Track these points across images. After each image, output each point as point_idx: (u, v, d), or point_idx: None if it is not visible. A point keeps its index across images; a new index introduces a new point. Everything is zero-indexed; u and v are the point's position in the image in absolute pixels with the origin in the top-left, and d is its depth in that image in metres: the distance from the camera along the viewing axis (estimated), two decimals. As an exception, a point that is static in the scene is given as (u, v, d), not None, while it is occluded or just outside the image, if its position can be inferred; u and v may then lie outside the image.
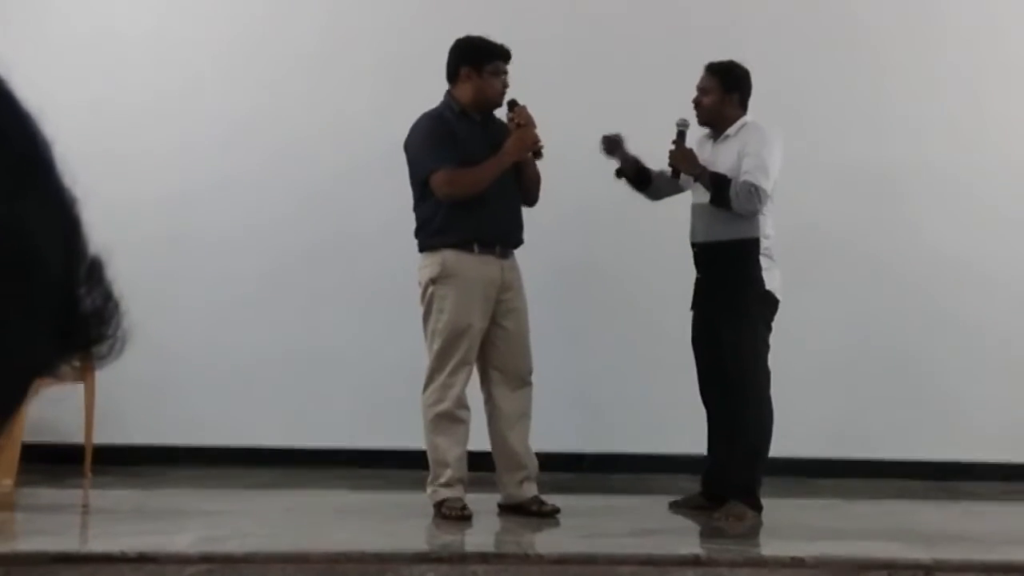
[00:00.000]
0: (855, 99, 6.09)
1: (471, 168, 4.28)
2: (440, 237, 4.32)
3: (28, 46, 5.63)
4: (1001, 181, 6.11)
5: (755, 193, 4.31)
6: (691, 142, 4.52)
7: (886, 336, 6.05)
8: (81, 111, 5.53)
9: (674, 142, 4.45)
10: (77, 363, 0.54)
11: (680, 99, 4.57)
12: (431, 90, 4.51)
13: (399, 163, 4.44)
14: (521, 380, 4.41)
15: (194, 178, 5.87)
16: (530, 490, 4.41)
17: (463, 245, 4.30)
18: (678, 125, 4.47)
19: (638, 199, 4.85)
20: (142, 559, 3.45)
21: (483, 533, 4.18)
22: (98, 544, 3.92)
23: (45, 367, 0.53)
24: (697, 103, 4.52)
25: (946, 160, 6.05)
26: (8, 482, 4.75)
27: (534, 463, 4.43)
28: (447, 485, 4.27)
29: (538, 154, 4.35)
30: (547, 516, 4.34)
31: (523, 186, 4.43)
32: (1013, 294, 6.08)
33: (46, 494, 4.69)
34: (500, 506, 4.43)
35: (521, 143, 4.29)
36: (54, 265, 0.50)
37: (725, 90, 4.49)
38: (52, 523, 4.15)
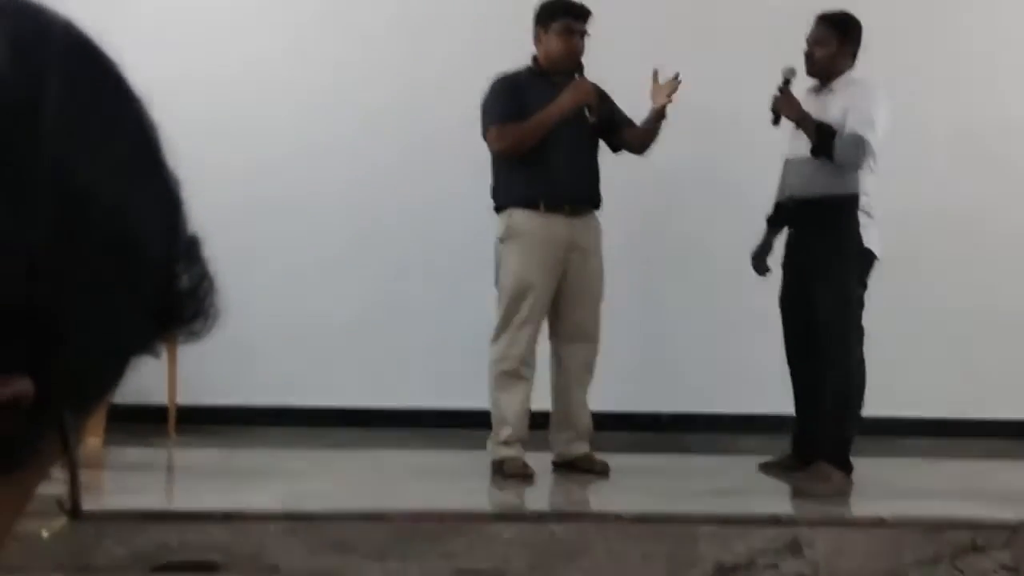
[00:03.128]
0: (954, 58, 5.96)
1: (521, 122, 4.27)
2: (507, 196, 4.37)
3: (112, 21, 5.69)
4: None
5: (861, 145, 4.21)
6: (796, 95, 4.41)
7: (977, 291, 5.93)
8: (165, 83, 5.58)
9: (779, 88, 4.36)
10: (172, 340, 0.56)
11: (780, 53, 4.48)
12: (518, 54, 4.50)
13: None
14: (586, 337, 4.39)
15: (279, 144, 5.91)
16: (580, 448, 4.41)
17: (529, 203, 4.30)
18: (784, 73, 4.37)
19: (720, 154, 4.79)
20: (226, 517, 3.51)
21: (557, 492, 4.19)
22: (183, 502, 4.01)
23: (144, 346, 0.54)
24: (809, 54, 4.41)
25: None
26: (96, 440, 4.86)
27: (587, 422, 4.43)
28: (506, 443, 4.29)
29: (592, 111, 4.30)
30: (598, 474, 4.34)
31: (636, 134, 4.43)
32: None
33: (132, 453, 4.79)
34: (554, 464, 4.43)
35: (575, 93, 4.26)
36: (157, 245, 0.52)
37: (840, 42, 4.39)
38: (139, 481, 4.24)
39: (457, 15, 5.94)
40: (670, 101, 4.35)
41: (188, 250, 0.56)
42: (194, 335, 0.57)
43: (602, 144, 4.49)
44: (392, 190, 5.93)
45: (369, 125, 5.93)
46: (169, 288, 0.54)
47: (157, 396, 5.43)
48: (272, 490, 3.91)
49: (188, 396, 5.51)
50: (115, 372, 0.54)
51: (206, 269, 0.56)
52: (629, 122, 4.52)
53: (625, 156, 4.57)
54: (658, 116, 4.39)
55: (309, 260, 5.94)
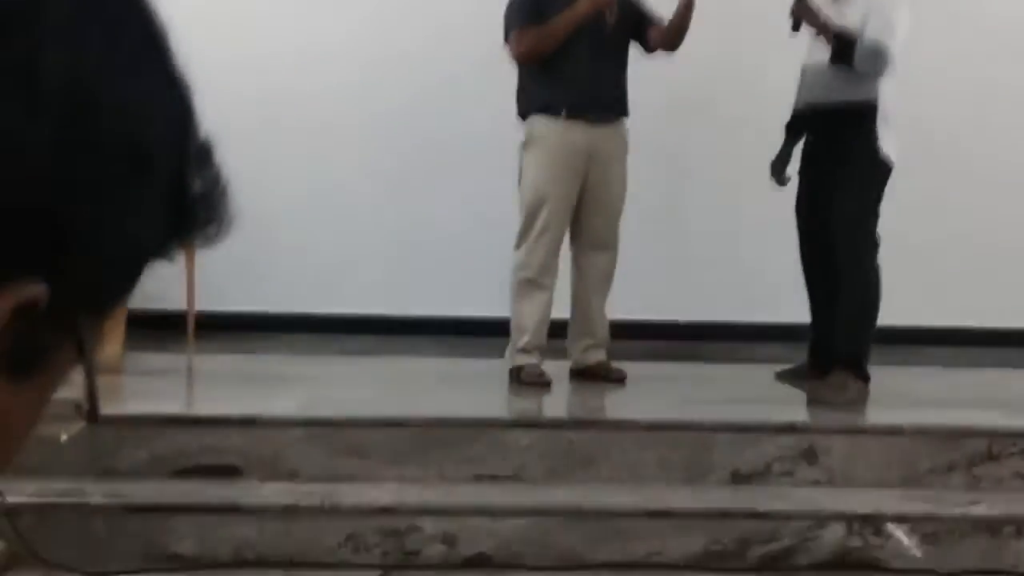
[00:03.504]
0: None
1: (540, 25, 4.21)
2: (529, 103, 4.35)
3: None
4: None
5: (881, 53, 4.14)
6: (817, 2, 4.32)
7: (990, 201, 5.90)
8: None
9: None
10: (186, 246, 0.55)
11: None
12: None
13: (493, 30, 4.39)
14: (605, 245, 4.39)
15: (283, 45, 5.86)
16: (597, 355, 4.43)
17: (550, 110, 4.28)
18: None
19: (743, 60, 4.68)
20: (245, 422, 3.55)
21: (574, 400, 4.21)
22: (203, 408, 4.05)
23: (159, 251, 0.54)
24: None
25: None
26: (115, 346, 4.90)
27: (604, 331, 4.44)
28: (524, 351, 4.31)
29: (612, 12, 4.24)
30: (615, 382, 4.35)
31: (664, 30, 4.36)
32: None
33: (152, 359, 4.83)
34: (571, 371, 4.45)
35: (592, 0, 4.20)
36: (169, 149, 0.51)
37: None
38: (158, 387, 4.28)
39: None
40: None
41: (200, 154, 0.55)
42: (208, 240, 0.56)
43: (633, 51, 4.43)
44: (412, 94, 5.88)
45: (370, 22, 5.86)
46: (181, 192, 0.54)
47: (176, 303, 5.45)
48: (291, 396, 3.94)
49: (207, 303, 5.53)
50: (129, 276, 0.54)
51: (219, 174, 0.56)
52: (656, 21, 4.44)
53: (645, 62, 4.50)
54: (687, 5, 4.30)
55: (328, 169, 5.92)
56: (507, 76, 4.41)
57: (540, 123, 4.29)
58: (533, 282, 4.29)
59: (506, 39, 4.32)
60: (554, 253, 4.32)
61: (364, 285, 5.91)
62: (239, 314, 5.81)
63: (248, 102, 5.79)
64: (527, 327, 4.30)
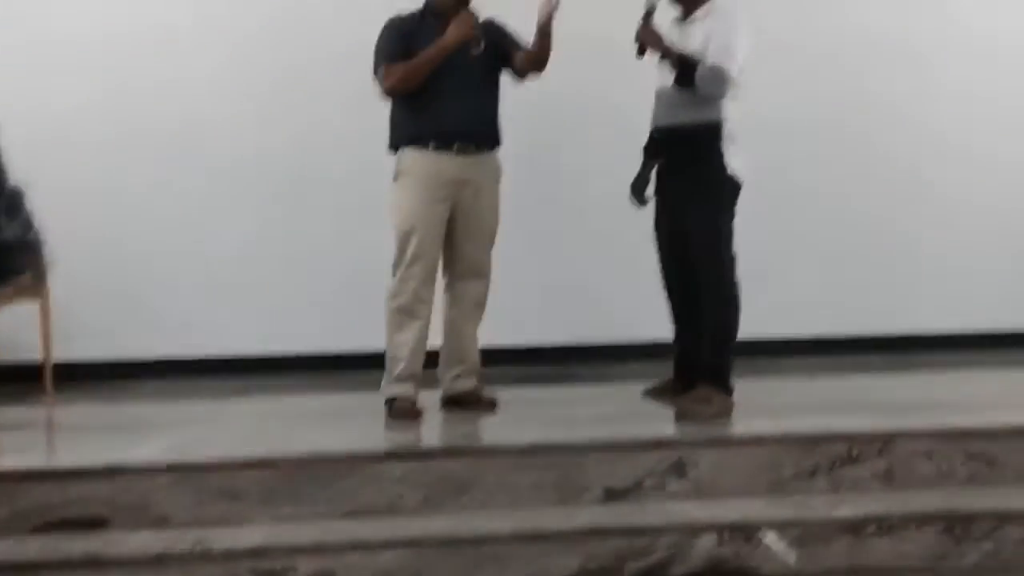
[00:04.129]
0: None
1: (407, 61, 4.25)
2: (398, 135, 4.38)
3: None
4: (980, 57, 6.17)
5: (722, 76, 4.26)
6: (660, 27, 4.43)
7: (840, 211, 6.12)
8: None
9: (642, 21, 4.37)
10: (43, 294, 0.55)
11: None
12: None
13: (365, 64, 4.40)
14: (478, 274, 4.42)
15: (147, 81, 5.76)
16: (467, 383, 4.46)
17: (419, 142, 4.31)
18: (646, 5, 4.39)
19: (601, 87, 4.76)
20: (109, 472, 3.46)
21: (446, 428, 4.22)
22: (65, 459, 3.92)
23: None
24: None
25: (928, 34, 6.09)
26: (-31, 403, 4.73)
27: (475, 359, 4.47)
28: (399, 380, 4.30)
29: (477, 43, 4.29)
30: (486, 408, 4.39)
31: (529, 55, 4.39)
32: (987, 168, 6.18)
33: (9, 413, 4.67)
34: (442, 400, 4.47)
35: (456, 29, 4.25)
36: None
37: None
38: (17, 441, 4.13)
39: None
40: (553, 11, 4.28)
41: (9, 203, 0.55)
42: (25, 287, 0.56)
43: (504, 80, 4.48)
44: (282, 131, 5.84)
45: (247, 59, 5.82)
46: None
47: (32, 352, 5.30)
48: (157, 442, 3.86)
49: (65, 351, 5.38)
50: None
51: (30, 221, 0.55)
52: (523, 45, 4.48)
53: (511, 88, 4.55)
54: (543, 30, 4.33)
55: (191, 204, 5.82)
56: (380, 109, 4.42)
57: (409, 155, 4.32)
58: (407, 310, 4.30)
59: (375, 73, 4.34)
60: (427, 282, 4.33)
61: (231, 324, 5.82)
62: (100, 362, 5.67)
63: (101, 139, 5.69)
64: (401, 356, 4.30)
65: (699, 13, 4.43)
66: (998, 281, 6.19)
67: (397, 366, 4.31)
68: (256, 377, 5.60)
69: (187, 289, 5.79)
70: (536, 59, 4.43)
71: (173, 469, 3.49)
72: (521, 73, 4.51)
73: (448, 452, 3.73)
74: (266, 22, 5.80)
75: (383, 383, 4.37)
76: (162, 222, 5.78)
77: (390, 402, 4.31)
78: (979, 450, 3.78)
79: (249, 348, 5.80)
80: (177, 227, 5.80)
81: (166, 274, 5.78)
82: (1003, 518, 3.55)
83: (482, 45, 4.31)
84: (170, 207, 5.80)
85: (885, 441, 3.76)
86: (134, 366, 5.71)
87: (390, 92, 4.33)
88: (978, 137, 6.20)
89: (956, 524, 3.52)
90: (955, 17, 6.19)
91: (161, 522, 3.39)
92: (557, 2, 4.30)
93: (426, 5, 4.42)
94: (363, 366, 5.33)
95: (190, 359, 5.76)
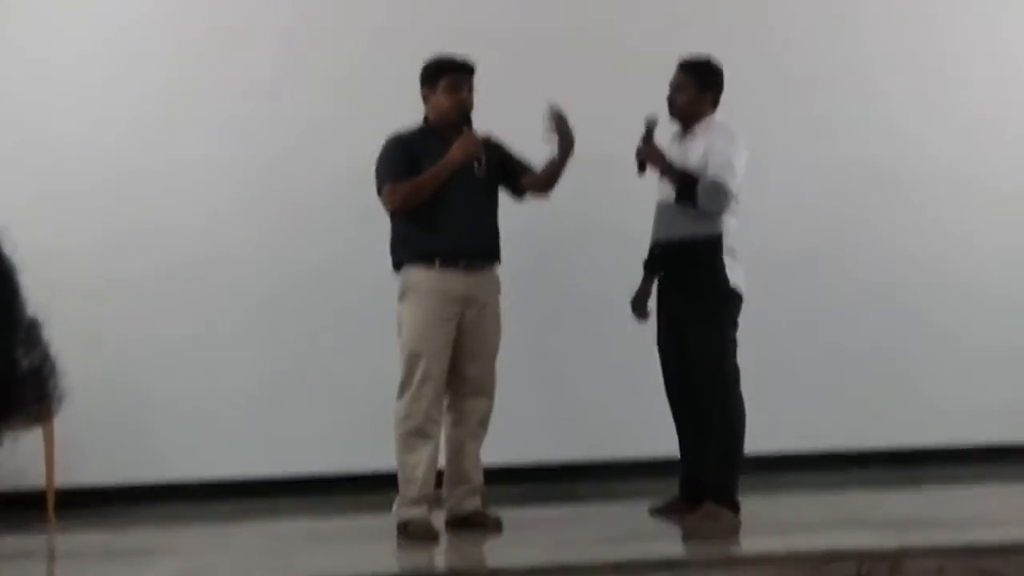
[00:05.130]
0: (825, 101, 6.21)
1: (412, 179, 4.31)
2: (403, 253, 4.39)
3: None
4: (966, 181, 6.28)
5: (722, 191, 4.32)
6: (659, 140, 4.50)
7: (850, 332, 6.14)
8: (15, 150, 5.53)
9: (643, 138, 4.45)
10: (13, 426, 0.56)
11: (649, 97, 4.56)
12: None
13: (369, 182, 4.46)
14: (482, 392, 4.42)
15: (142, 214, 5.83)
16: (472, 504, 4.43)
17: (424, 260, 4.33)
18: (647, 122, 4.47)
19: (604, 202, 4.82)
20: (112, 601, 3.42)
21: (451, 551, 4.17)
22: (66, 589, 3.88)
23: None
24: (671, 100, 4.53)
25: (913, 162, 6.21)
26: (-30, 532, 4.69)
27: (479, 478, 4.45)
28: (414, 503, 4.27)
29: (480, 162, 4.37)
30: (491, 529, 4.35)
31: (539, 178, 4.48)
32: (976, 289, 6.26)
33: (9, 542, 4.63)
34: (447, 522, 4.43)
35: (462, 147, 4.32)
36: None
37: (700, 87, 4.52)
38: (17, 571, 4.09)
39: (342, 69, 5.96)
40: (569, 134, 4.37)
41: (27, 334, 0.56)
42: (39, 418, 0.57)
43: (504, 197, 4.54)
44: (280, 251, 5.88)
45: (255, 186, 5.89)
46: (8, 373, 0.55)
47: (34, 480, 5.28)
48: (162, 569, 3.81)
49: (67, 477, 5.36)
50: None
51: (47, 352, 0.57)
52: (526, 167, 4.57)
53: (512, 207, 4.62)
54: (565, 150, 4.40)
55: (194, 331, 5.84)
56: (383, 226, 4.47)
57: (415, 273, 4.34)
58: (419, 432, 4.28)
59: (379, 192, 4.38)
60: (437, 402, 4.32)
61: (230, 448, 5.79)
62: (103, 487, 5.63)
63: (105, 273, 5.74)
64: (415, 478, 4.27)
65: (698, 129, 4.51)
66: (1002, 395, 6.18)
67: (411, 488, 4.28)
68: (260, 500, 5.55)
69: (190, 413, 5.77)
70: (546, 183, 4.50)
71: (176, 597, 3.45)
72: (523, 193, 4.58)
73: (454, 575, 3.69)
74: (273, 153, 5.89)
75: (396, 506, 4.33)
76: (164, 348, 5.79)
77: (403, 525, 4.28)
78: (991, 567, 3.73)
79: (253, 471, 5.76)
80: (180, 352, 5.80)
81: (169, 398, 5.77)
82: (1018, 637, 3.49)
83: (484, 164, 4.39)
84: (173, 333, 5.81)
85: (895, 559, 3.71)
86: (137, 491, 5.66)
87: (395, 211, 4.36)
88: (975, 265, 6.27)
89: (971, 644, 3.46)
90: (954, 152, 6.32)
91: (163, 653, 3.33)
92: (564, 122, 4.38)
93: (426, 122, 4.49)
94: (369, 487, 5.30)
95: (194, 483, 5.72)
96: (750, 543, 4.11)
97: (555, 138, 4.39)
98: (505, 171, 4.53)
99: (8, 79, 5.80)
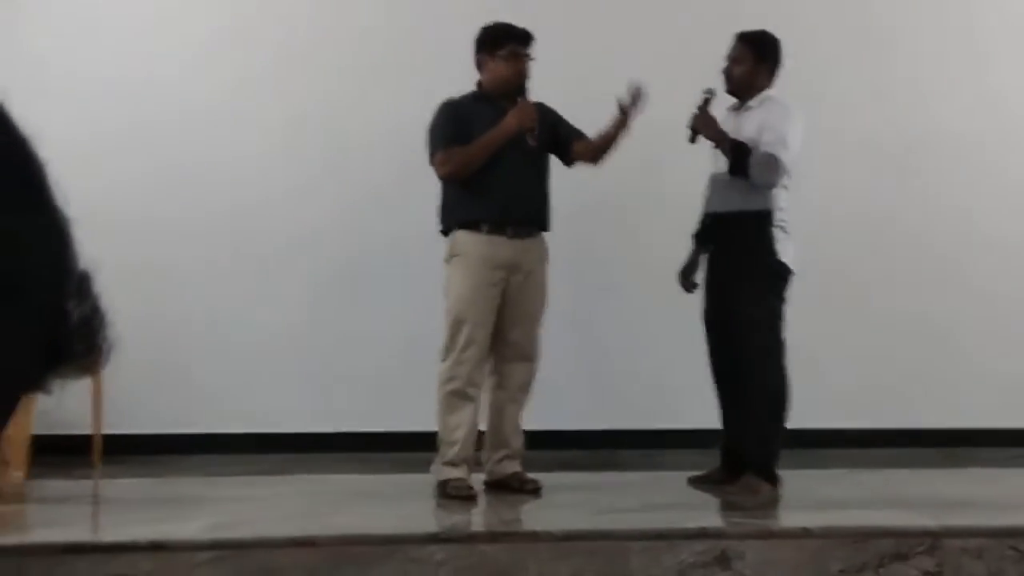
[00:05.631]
0: (868, 72, 6.11)
1: (465, 146, 4.29)
2: (452, 218, 4.41)
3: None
4: (1012, 146, 6.16)
5: (775, 164, 4.28)
6: (715, 115, 4.47)
7: (891, 302, 6.08)
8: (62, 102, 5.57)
9: (698, 107, 4.42)
10: (64, 376, 0.57)
11: (708, 70, 4.52)
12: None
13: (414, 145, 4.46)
14: (524, 357, 4.43)
15: (196, 160, 5.89)
16: (511, 467, 4.45)
17: (473, 226, 4.35)
18: (704, 93, 4.43)
19: (657, 173, 4.79)
20: (153, 547, 3.46)
21: (489, 512, 4.19)
22: (109, 534, 3.93)
23: (35, 382, 0.55)
24: (728, 72, 4.50)
25: (961, 127, 6.09)
26: (19, 474, 4.78)
27: (519, 442, 4.47)
28: (452, 464, 4.30)
29: (533, 135, 4.36)
30: (530, 493, 4.36)
31: (591, 146, 4.48)
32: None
33: (56, 486, 4.71)
34: (485, 484, 4.45)
35: (517, 117, 4.31)
36: (48, 283, 0.53)
37: (757, 60, 4.47)
38: (62, 514, 4.17)
39: (374, 27, 5.95)
40: (635, 110, 4.37)
41: (79, 286, 0.57)
42: (89, 369, 0.57)
43: (555, 164, 4.53)
44: (334, 209, 5.91)
45: (290, 138, 5.92)
46: (61, 324, 0.55)
47: (81, 426, 5.36)
48: (200, 519, 3.86)
49: (113, 425, 5.44)
50: (4, 407, 0.55)
51: (98, 304, 0.57)
52: (579, 134, 4.55)
53: (564, 175, 4.60)
54: (622, 122, 4.40)
55: (237, 282, 5.90)
56: (430, 188, 4.47)
57: (463, 238, 4.36)
58: (461, 394, 4.30)
59: (431, 159, 4.38)
60: (480, 365, 4.34)
61: (274, 402, 5.85)
62: (147, 436, 5.72)
63: (151, 217, 5.80)
64: (455, 440, 4.30)
65: (753, 103, 4.47)
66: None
67: (451, 449, 4.31)
68: (301, 454, 5.61)
69: (235, 364, 5.84)
70: (598, 152, 4.49)
71: (215, 546, 3.49)
72: (572, 161, 4.57)
73: (490, 537, 3.70)
74: (316, 99, 5.92)
75: (435, 465, 4.36)
76: (211, 298, 5.86)
77: (443, 484, 4.30)
78: (1032, 550, 3.69)
79: (296, 425, 5.82)
80: (226, 303, 5.87)
81: (214, 349, 5.84)
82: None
83: (537, 134, 4.37)
84: (220, 284, 5.87)
85: (934, 539, 3.68)
86: (180, 440, 5.74)
87: (447, 177, 4.37)
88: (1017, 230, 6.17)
89: (1008, 626, 3.44)
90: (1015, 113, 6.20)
91: (201, 600, 3.38)
92: (640, 100, 4.35)
93: (479, 88, 4.48)
94: (408, 446, 5.34)
95: (237, 434, 5.79)
96: (788, 517, 4.10)
97: (624, 111, 4.36)
98: (556, 138, 4.51)
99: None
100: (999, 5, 6.23)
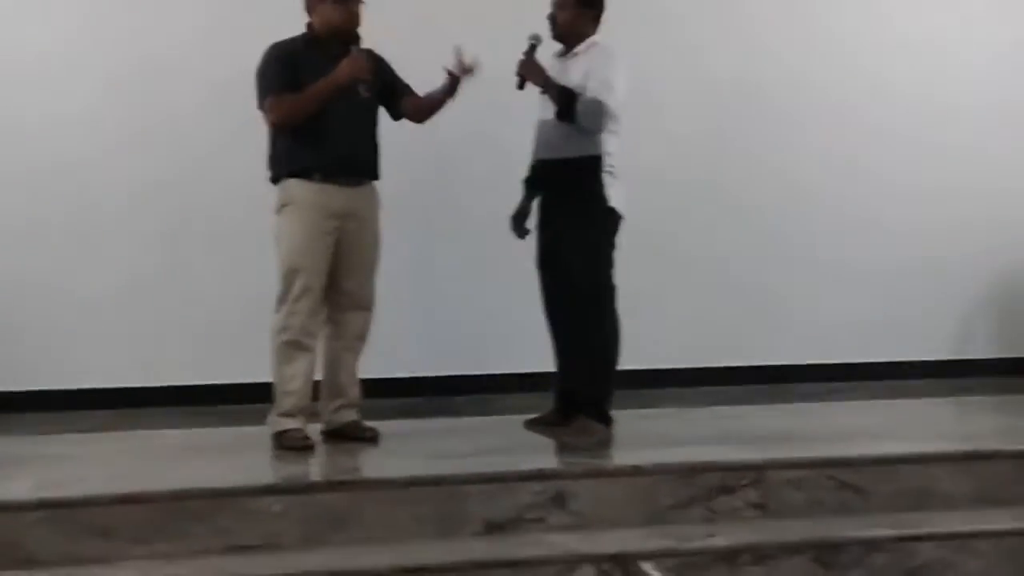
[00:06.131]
0: (701, 24, 6.27)
1: (296, 93, 4.23)
2: (282, 167, 4.34)
3: None
4: (826, 103, 6.41)
5: (600, 109, 4.34)
6: (542, 61, 4.50)
7: (718, 251, 6.28)
8: None
9: (524, 53, 4.44)
10: None
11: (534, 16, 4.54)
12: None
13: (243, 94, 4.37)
14: (360, 305, 4.42)
15: (12, 113, 5.63)
16: (348, 416, 4.45)
17: (304, 174, 4.29)
18: (530, 39, 4.46)
19: (480, 118, 4.82)
20: (-25, 510, 3.35)
21: (326, 461, 4.19)
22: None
23: None
24: (553, 18, 4.53)
25: (780, 81, 6.30)
26: None
27: (356, 391, 4.47)
28: (288, 415, 4.27)
29: (366, 86, 4.32)
30: (368, 441, 4.38)
31: (419, 105, 4.50)
32: (836, 210, 6.42)
33: None
34: (322, 433, 4.44)
35: (350, 68, 4.26)
36: None
37: (580, 6, 4.51)
38: None
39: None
40: (467, 75, 4.40)
41: None
42: None
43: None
44: (158, 161, 5.73)
45: (117, 90, 5.73)
46: None
47: None
48: (28, 478, 3.76)
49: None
50: None
51: None
52: (409, 91, 4.54)
53: (400, 125, 4.59)
54: (450, 89, 4.44)
55: (66, 236, 5.69)
56: (260, 139, 4.39)
57: (294, 186, 4.30)
58: (295, 344, 4.26)
59: (260, 104, 4.30)
60: (315, 314, 4.31)
61: (101, 357, 5.68)
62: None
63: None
64: (291, 390, 4.26)
65: (580, 49, 4.52)
66: (865, 314, 6.42)
67: (287, 400, 4.27)
68: (132, 410, 5.48)
69: (63, 321, 5.65)
70: (425, 113, 4.53)
71: (43, 506, 3.40)
72: (401, 117, 4.56)
73: (327, 486, 3.70)
74: (142, 54, 5.72)
75: (271, 417, 4.32)
76: (36, 254, 5.64)
77: (279, 436, 4.27)
78: (847, 479, 3.90)
79: (126, 380, 5.68)
80: (52, 258, 5.66)
81: (41, 307, 5.63)
82: (871, 545, 3.67)
83: (369, 86, 4.33)
84: (44, 239, 5.66)
85: (758, 471, 3.85)
86: (8, 398, 5.53)
87: (277, 125, 4.30)
88: (840, 188, 6.45)
89: (826, 552, 3.63)
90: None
91: (29, 562, 3.30)
92: (470, 70, 4.36)
93: (310, 30, 4.40)
94: (243, 399, 5.27)
95: (64, 391, 5.61)
96: (620, 456, 4.22)
97: (452, 76, 4.40)
98: (387, 92, 4.49)
99: None
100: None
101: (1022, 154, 6.64)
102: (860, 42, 6.48)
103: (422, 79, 4.55)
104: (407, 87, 4.56)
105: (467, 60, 4.41)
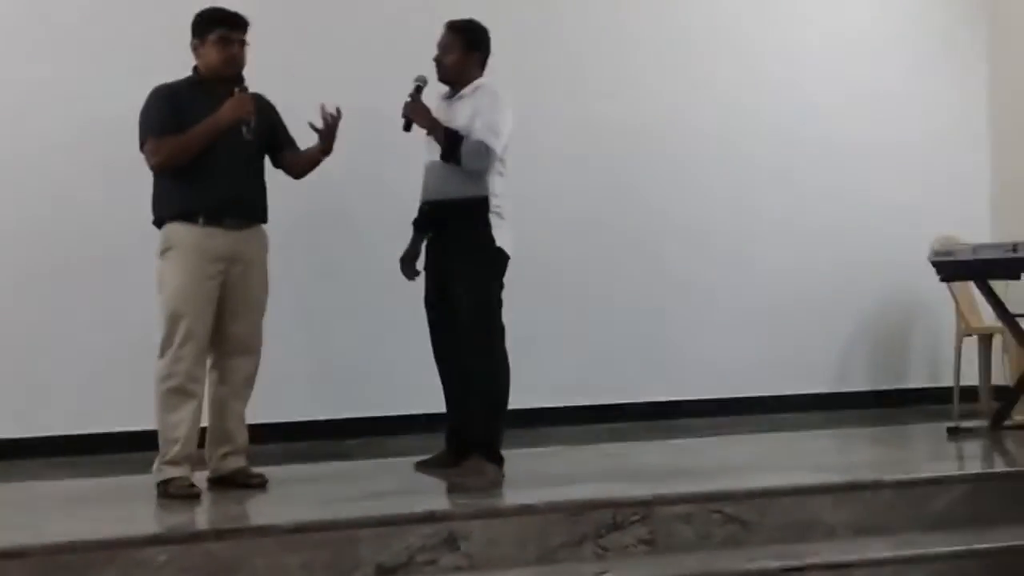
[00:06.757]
0: (591, 66, 6.40)
1: (178, 135, 4.19)
2: (165, 209, 4.29)
3: None
4: (710, 144, 6.58)
5: (485, 151, 4.39)
6: (428, 103, 4.53)
7: (603, 290, 6.37)
8: None
9: (410, 95, 4.47)
10: None
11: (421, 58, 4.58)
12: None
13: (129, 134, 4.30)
14: (247, 350, 4.36)
15: None
16: (236, 462, 4.39)
17: (187, 217, 4.24)
18: (416, 81, 4.49)
19: (369, 161, 4.82)
20: None
21: (213, 510, 4.11)
22: None
23: None
24: (439, 61, 4.56)
25: (664, 123, 6.44)
26: None
27: (244, 437, 4.41)
28: (173, 463, 4.19)
29: (249, 128, 4.29)
30: (256, 487, 4.32)
31: (297, 160, 4.50)
32: (719, 248, 6.58)
33: None
34: (209, 481, 4.37)
35: (233, 109, 4.24)
36: None
37: (467, 49, 4.55)
38: None
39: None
40: (335, 123, 4.41)
41: None
42: None
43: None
44: (38, 202, 5.57)
45: (9, 130, 5.57)
46: None
47: None
48: None
49: None
50: None
51: None
52: (291, 143, 4.54)
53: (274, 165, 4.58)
54: (325, 144, 4.45)
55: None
56: (143, 179, 4.32)
57: (178, 230, 4.24)
58: (180, 390, 4.18)
59: (142, 147, 4.24)
60: (200, 361, 4.24)
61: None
62: None
63: None
64: (176, 437, 4.18)
65: (466, 91, 4.57)
66: (753, 352, 6.57)
67: (172, 448, 4.18)
68: (6, 462, 5.30)
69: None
70: (301, 170, 4.55)
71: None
72: (281, 168, 4.54)
73: (214, 535, 3.62)
74: (21, 91, 5.59)
75: (156, 465, 4.23)
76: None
77: (164, 484, 4.18)
78: (733, 513, 3.96)
79: (2, 431, 5.49)
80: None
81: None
82: (757, 577, 3.73)
83: (253, 127, 4.31)
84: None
85: (647, 507, 3.89)
86: None
87: (158, 167, 4.25)
88: (724, 227, 6.60)
89: (714, 585, 3.68)
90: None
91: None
92: (337, 121, 4.37)
93: (196, 73, 4.37)
94: (127, 448, 5.15)
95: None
96: (511, 495, 4.23)
97: (322, 134, 4.42)
98: (272, 139, 4.48)
99: None
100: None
101: (896, 195, 6.89)
102: (739, 83, 6.66)
103: (303, 120, 4.52)
104: (291, 141, 4.55)
105: (329, 110, 4.42)
